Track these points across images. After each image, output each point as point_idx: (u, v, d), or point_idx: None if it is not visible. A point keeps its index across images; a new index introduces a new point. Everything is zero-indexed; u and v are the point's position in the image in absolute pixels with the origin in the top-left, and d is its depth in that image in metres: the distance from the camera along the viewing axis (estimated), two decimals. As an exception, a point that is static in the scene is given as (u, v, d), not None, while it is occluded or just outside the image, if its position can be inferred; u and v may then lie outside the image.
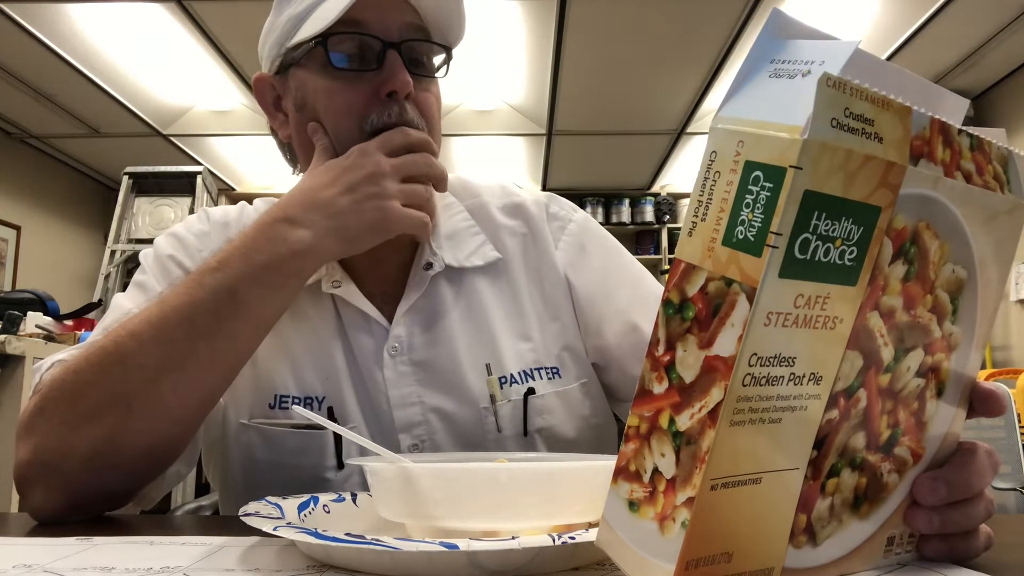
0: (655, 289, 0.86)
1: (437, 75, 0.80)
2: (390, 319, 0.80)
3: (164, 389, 0.63)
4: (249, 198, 0.91)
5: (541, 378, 0.80)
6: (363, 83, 0.74)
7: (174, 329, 0.63)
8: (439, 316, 0.80)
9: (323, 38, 0.73)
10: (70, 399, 0.63)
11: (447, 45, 0.79)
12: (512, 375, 0.79)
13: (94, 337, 0.70)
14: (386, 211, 0.68)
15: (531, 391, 0.79)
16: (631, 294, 0.84)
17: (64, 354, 0.71)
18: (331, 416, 0.76)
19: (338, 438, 0.76)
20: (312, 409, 0.76)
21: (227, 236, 0.79)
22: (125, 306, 0.75)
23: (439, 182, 0.75)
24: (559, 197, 0.91)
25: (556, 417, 0.80)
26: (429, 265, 0.81)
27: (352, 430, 0.75)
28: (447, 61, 0.80)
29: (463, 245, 0.84)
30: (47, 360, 0.71)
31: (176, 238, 0.83)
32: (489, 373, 0.79)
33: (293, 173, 0.86)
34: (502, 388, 0.78)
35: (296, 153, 0.82)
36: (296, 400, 0.77)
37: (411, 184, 0.71)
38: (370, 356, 0.78)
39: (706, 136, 0.34)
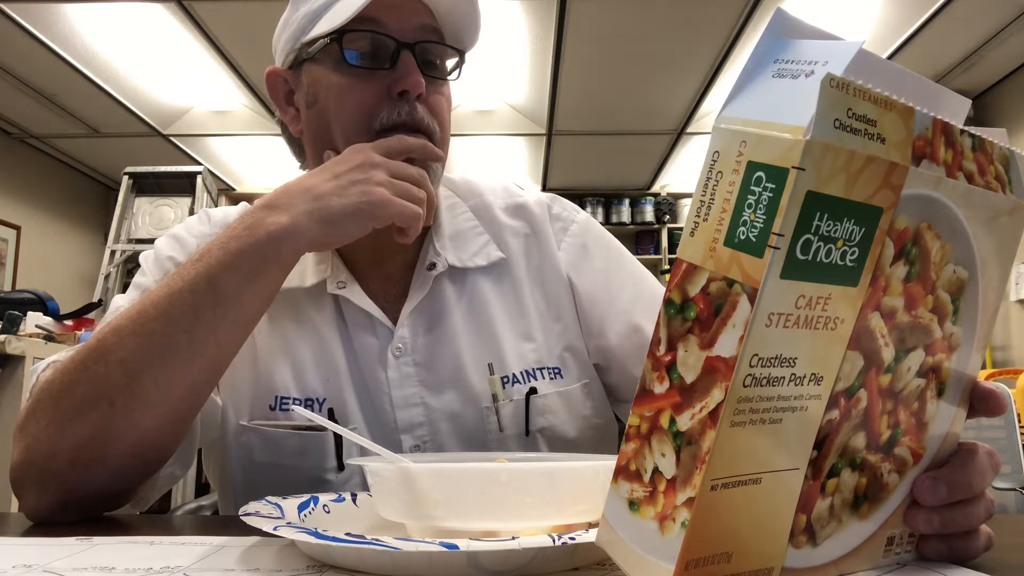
0: (657, 290, 0.86)
1: (449, 78, 0.80)
2: (394, 319, 0.80)
3: (145, 383, 0.61)
4: (249, 198, 0.91)
5: (543, 378, 0.80)
6: (375, 81, 0.74)
7: (152, 322, 0.61)
8: (442, 316, 0.81)
9: (338, 35, 0.74)
10: (57, 399, 0.62)
11: (461, 48, 0.79)
12: (514, 375, 0.79)
13: None
14: (371, 195, 0.65)
15: (533, 391, 0.79)
16: (633, 295, 0.84)
17: (59, 355, 0.71)
18: (331, 417, 0.76)
19: (339, 440, 0.76)
20: (312, 410, 0.76)
21: None
22: (122, 307, 0.75)
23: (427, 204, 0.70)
24: (561, 198, 0.92)
25: (558, 417, 0.80)
26: (432, 265, 0.81)
27: (353, 431, 0.75)
28: (460, 64, 0.81)
29: (467, 245, 0.84)
30: (43, 362, 0.71)
31: (176, 239, 0.83)
32: (491, 372, 0.79)
33: (300, 168, 0.86)
34: (504, 388, 0.78)
35: (305, 149, 0.82)
36: (296, 401, 0.77)
37: (401, 163, 0.69)
38: (374, 357, 0.78)
39: (706, 136, 0.34)
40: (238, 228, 0.64)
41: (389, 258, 0.82)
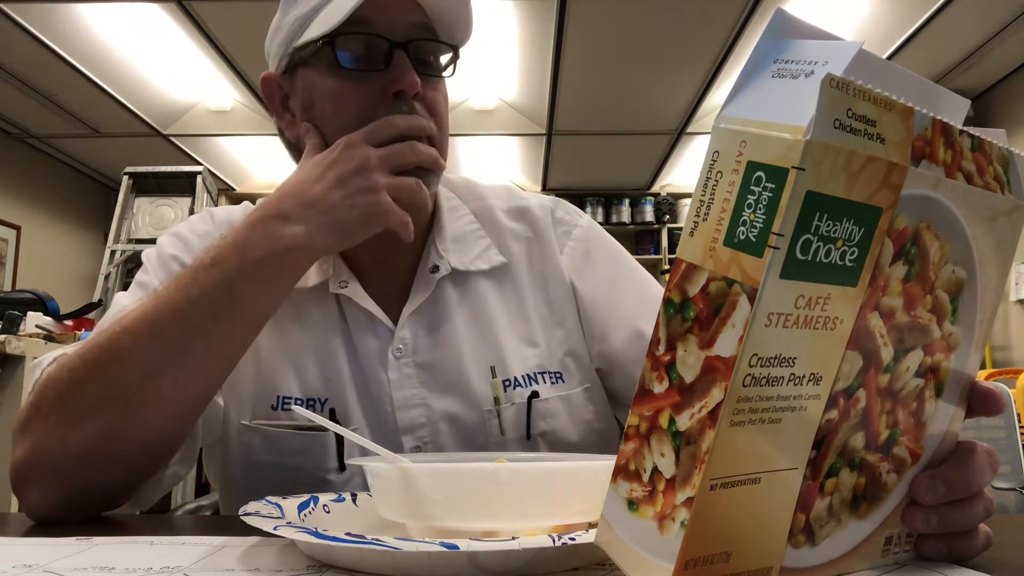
0: (661, 295, 0.85)
1: (444, 74, 0.80)
2: (395, 320, 0.80)
3: (162, 384, 0.63)
4: (250, 198, 0.91)
5: (545, 382, 0.80)
6: (371, 83, 0.74)
7: (170, 326, 0.63)
8: (444, 319, 0.81)
9: (330, 38, 0.73)
10: (66, 396, 0.63)
11: (454, 44, 0.79)
12: (516, 378, 0.79)
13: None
14: (378, 205, 0.68)
15: (535, 395, 0.79)
16: (637, 300, 0.84)
17: (65, 350, 0.71)
18: (333, 417, 0.76)
19: (340, 440, 0.76)
20: (314, 410, 0.76)
21: None
22: (126, 305, 0.75)
23: (431, 164, 0.73)
24: (564, 202, 0.92)
25: (559, 421, 0.80)
26: (435, 268, 0.81)
27: (354, 431, 0.75)
28: (454, 60, 0.80)
29: (469, 249, 0.84)
30: (46, 357, 0.71)
31: (179, 238, 0.83)
32: (493, 375, 0.79)
33: None
34: (506, 391, 0.78)
35: (303, 153, 0.82)
36: (298, 401, 0.77)
37: (400, 178, 0.70)
38: (374, 357, 0.78)
39: (706, 136, 0.34)
40: (254, 236, 0.66)
41: (391, 259, 0.82)
